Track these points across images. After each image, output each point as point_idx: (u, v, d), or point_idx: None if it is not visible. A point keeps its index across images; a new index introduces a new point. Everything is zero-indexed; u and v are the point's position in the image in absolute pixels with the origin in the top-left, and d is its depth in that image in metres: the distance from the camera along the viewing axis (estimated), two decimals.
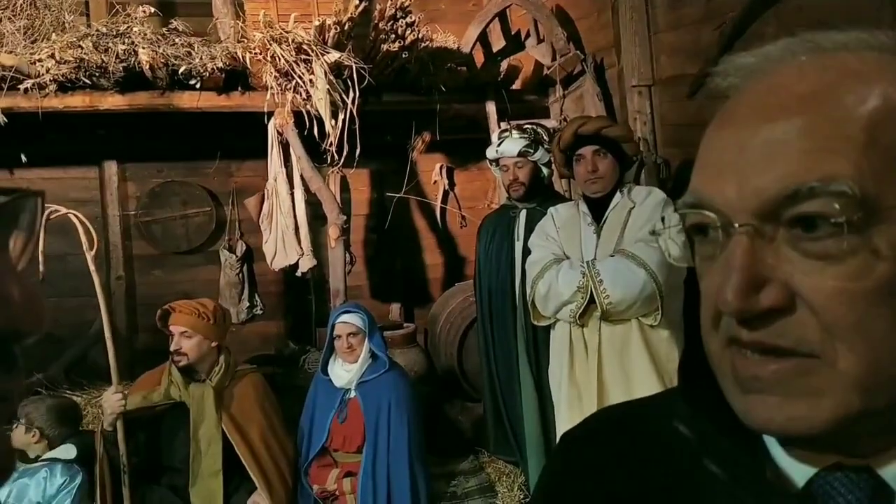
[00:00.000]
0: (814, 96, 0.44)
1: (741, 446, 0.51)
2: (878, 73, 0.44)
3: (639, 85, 3.15)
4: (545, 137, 3.01)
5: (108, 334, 2.48)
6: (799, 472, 0.48)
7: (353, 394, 2.85)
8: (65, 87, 3.43)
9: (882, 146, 0.42)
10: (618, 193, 2.50)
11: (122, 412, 2.47)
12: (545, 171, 2.98)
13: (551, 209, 2.68)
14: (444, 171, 5.23)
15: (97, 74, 3.40)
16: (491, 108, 4.06)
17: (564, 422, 2.46)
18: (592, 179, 2.46)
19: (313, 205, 4.01)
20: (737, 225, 0.44)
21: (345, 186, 5.01)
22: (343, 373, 2.87)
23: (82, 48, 3.29)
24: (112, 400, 2.46)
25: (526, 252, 2.87)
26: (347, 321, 2.83)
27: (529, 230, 2.91)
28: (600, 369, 2.35)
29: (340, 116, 3.59)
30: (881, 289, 0.41)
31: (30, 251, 0.39)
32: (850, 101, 0.43)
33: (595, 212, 2.52)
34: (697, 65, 2.82)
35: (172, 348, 2.70)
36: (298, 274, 4.12)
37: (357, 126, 3.56)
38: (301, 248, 4.00)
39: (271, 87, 3.56)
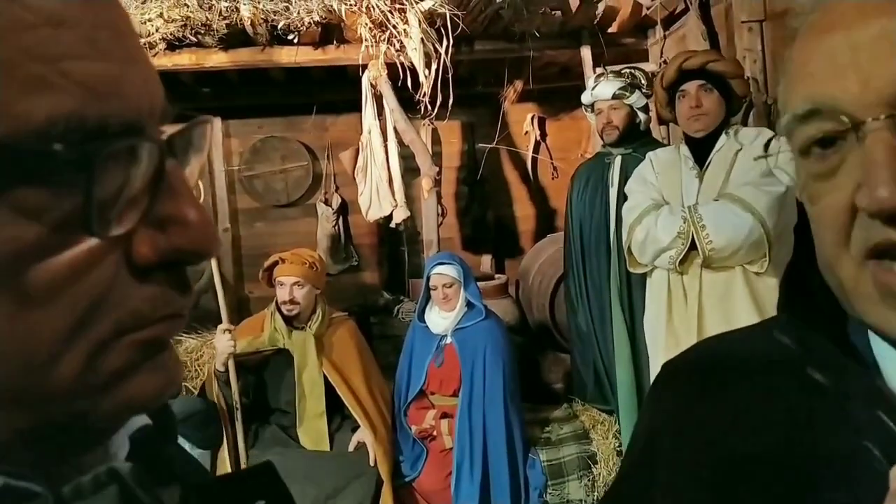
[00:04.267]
0: None
1: (849, 358, 0.48)
2: None
3: (749, 21, 2.95)
4: (642, 81, 2.89)
5: (217, 280, 2.64)
6: None
7: (449, 339, 2.92)
8: (172, 45, 3.59)
9: None
10: (723, 135, 2.34)
11: (233, 353, 2.63)
12: (642, 116, 2.87)
13: (650, 154, 2.56)
14: (535, 121, 5.14)
15: (202, 32, 3.53)
16: (586, 53, 3.93)
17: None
18: (696, 116, 2.31)
19: (406, 157, 4.05)
20: (870, 119, 0.42)
21: (436, 139, 5.02)
22: (440, 320, 2.93)
23: (188, 6, 3.42)
24: (223, 340, 2.61)
25: (621, 199, 2.80)
26: (443, 272, 2.88)
27: (624, 176, 2.82)
28: (701, 318, 2.27)
29: (433, 66, 3.59)
30: None
31: (199, 176, 0.41)
32: None
33: (698, 155, 2.38)
34: None
35: (286, 297, 2.83)
36: (392, 225, 4.20)
37: (450, 76, 3.54)
38: (395, 199, 4.07)
39: (365, 40, 3.59)
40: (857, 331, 0.49)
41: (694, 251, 2.26)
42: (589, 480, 2.89)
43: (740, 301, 2.21)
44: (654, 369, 2.47)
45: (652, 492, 0.58)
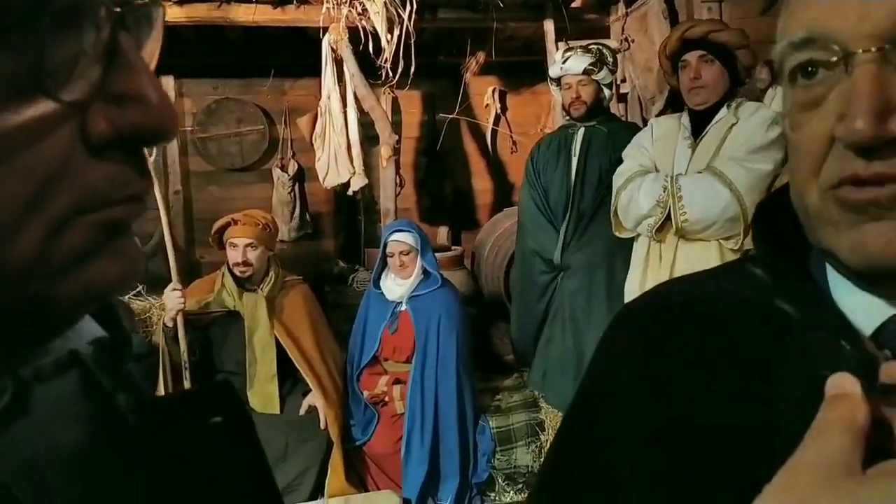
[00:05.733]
0: None
1: (815, 289, 0.50)
2: None
3: (708, 0, 3.00)
4: (609, 58, 2.91)
5: (168, 241, 2.58)
6: (869, 317, 0.47)
7: (404, 306, 2.92)
8: None
9: None
10: (724, 108, 2.31)
11: (182, 309, 2.58)
12: (606, 92, 2.90)
13: (652, 120, 2.57)
14: (496, 94, 5.13)
15: None
16: (549, 26, 3.94)
17: None
18: (695, 88, 2.29)
19: (365, 125, 4.01)
20: (860, 51, 0.43)
21: (395, 108, 4.98)
22: (395, 287, 2.93)
23: None
24: (172, 297, 2.57)
25: (580, 167, 2.85)
26: (400, 239, 2.87)
27: (587, 147, 2.87)
28: None
29: (396, 31, 3.54)
30: None
31: (156, 57, 0.40)
32: None
33: (697, 126, 2.35)
34: None
35: (238, 259, 2.78)
36: (350, 193, 4.17)
37: (413, 42, 3.50)
38: (353, 166, 4.03)
39: (327, 1, 3.52)
40: (817, 264, 0.51)
41: (669, 221, 2.28)
42: (536, 447, 2.96)
43: None
44: None
45: (599, 447, 0.59)
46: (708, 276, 0.62)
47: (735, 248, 2.23)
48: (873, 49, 0.42)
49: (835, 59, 0.43)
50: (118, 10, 0.33)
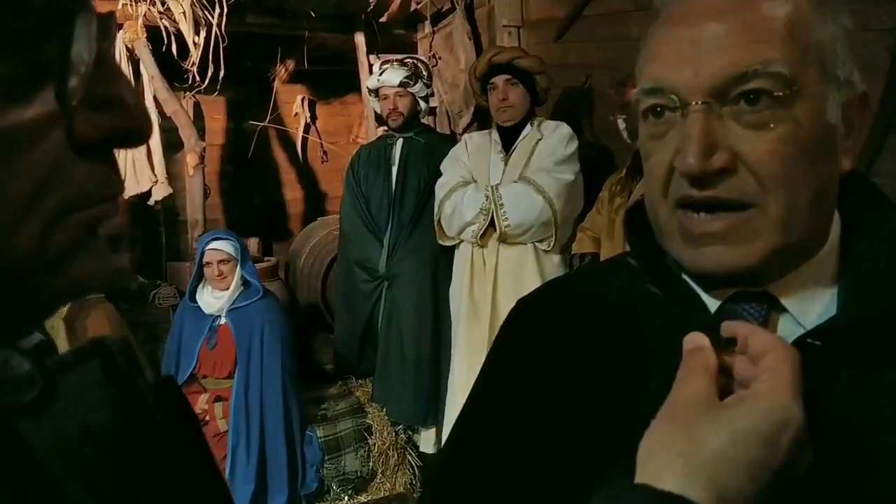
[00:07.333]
0: (748, 1, 0.56)
1: (673, 273, 0.64)
2: None
3: (509, 25, 3.28)
4: (424, 73, 3.07)
5: None
6: (710, 300, 0.62)
7: (223, 320, 2.80)
8: None
9: (798, 41, 0.55)
10: (528, 125, 2.61)
11: None
12: (422, 104, 3.05)
13: (465, 136, 2.80)
14: (305, 103, 5.10)
15: None
16: (360, 39, 4.02)
17: (461, 335, 2.62)
18: (503, 108, 2.56)
19: (167, 131, 3.77)
20: (693, 103, 0.55)
21: (197, 114, 4.74)
22: (213, 300, 2.80)
23: None
24: None
25: (400, 176, 2.98)
26: (218, 248, 2.76)
27: (406, 158, 3.00)
28: (495, 288, 2.52)
29: (202, 34, 3.39)
30: (800, 150, 0.55)
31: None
32: (774, 6, 0.56)
33: (506, 141, 2.63)
34: (564, 9, 2.99)
35: None
36: (151, 203, 3.89)
37: (223, 47, 3.38)
38: (155, 175, 3.78)
39: None
40: (670, 263, 0.64)
41: (493, 227, 2.50)
42: (365, 451, 3.00)
43: (530, 274, 2.50)
44: (457, 334, 2.68)
45: (500, 433, 0.67)
46: (594, 270, 0.74)
47: (548, 249, 2.50)
48: (701, 102, 0.55)
49: (674, 106, 0.56)
50: (101, 16, 0.34)
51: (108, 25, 0.38)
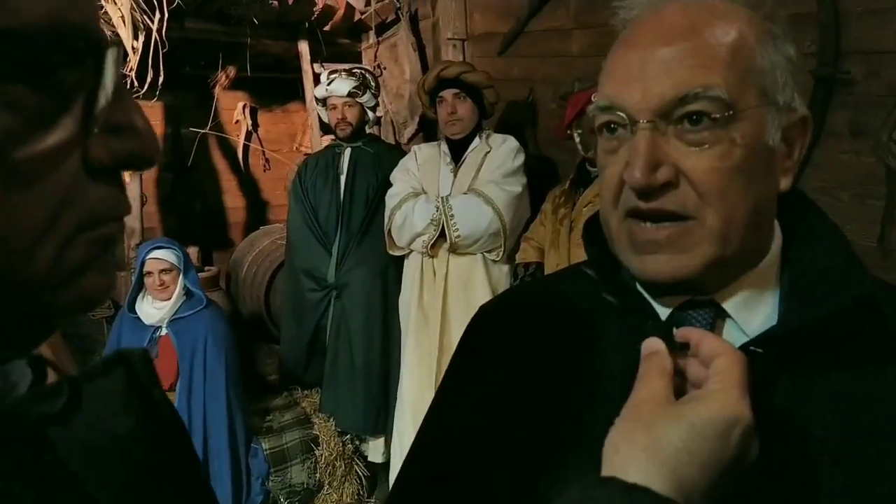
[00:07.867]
0: (695, 27, 0.61)
1: (627, 283, 0.69)
2: (735, 16, 0.63)
3: (453, 38, 3.33)
4: (372, 83, 3.08)
5: None
6: (661, 308, 0.67)
7: (164, 331, 2.74)
8: None
9: (739, 67, 0.60)
10: (477, 137, 2.67)
11: None
12: (370, 114, 3.07)
13: (415, 147, 2.81)
14: (247, 110, 5.03)
15: None
16: (304, 48, 4.00)
17: (410, 345, 2.64)
18: (452, 121, 2.61)
19: None
20: (641, 121, 0.60)
21: None
22: (153, 311, 2.73)
23: None
24: None
25: (349, 187, 2.98)
26: (160, 257, 2.69)
27: (354, 167, 3.02)
28: (445, 297, 2.55)
29: (141, 39, 3.31)
30: (737, 168, 0.60)
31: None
32: (719, 34, 0.61)
33: (455, 153, 2.67)
34: (508, 24, 3.06)
35: None
36: None
37: (163, 52, 3.31)
38: None
39: None
40: (625, 275, 0.69)
41: (443, 237, 2.54)
42: (312, 462, 2.97)
43: (479, 284, 2.54)
44: (405, 343, 2.70)
45: (464, 430, 0.71)
46: (551, 279, 0.78)
47: (497, 259, 2.55)
48: (647, 120, 0.60)
49: (624, 123, 0.61)
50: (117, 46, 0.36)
51: (126, 55, 0.40)
